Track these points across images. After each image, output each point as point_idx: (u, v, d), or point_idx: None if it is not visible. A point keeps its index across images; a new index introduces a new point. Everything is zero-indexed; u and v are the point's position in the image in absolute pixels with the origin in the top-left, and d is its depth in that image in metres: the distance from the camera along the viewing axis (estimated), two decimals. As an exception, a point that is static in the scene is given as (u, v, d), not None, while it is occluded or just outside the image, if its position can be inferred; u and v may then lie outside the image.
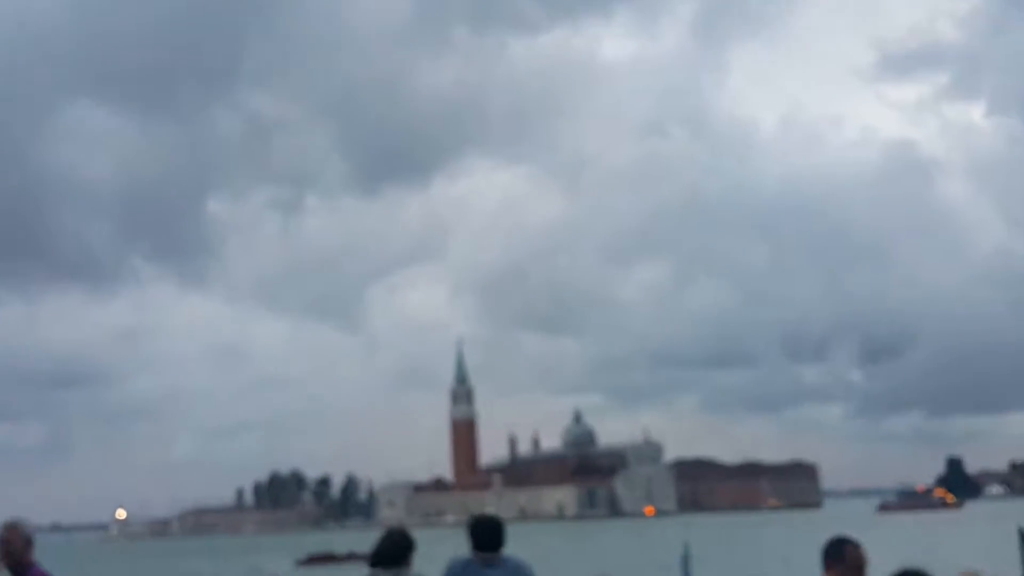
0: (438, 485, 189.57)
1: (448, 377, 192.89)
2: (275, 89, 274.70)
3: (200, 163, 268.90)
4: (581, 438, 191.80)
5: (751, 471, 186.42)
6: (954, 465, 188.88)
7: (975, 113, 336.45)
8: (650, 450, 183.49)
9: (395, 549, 4.10)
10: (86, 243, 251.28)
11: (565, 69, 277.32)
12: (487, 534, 4.15)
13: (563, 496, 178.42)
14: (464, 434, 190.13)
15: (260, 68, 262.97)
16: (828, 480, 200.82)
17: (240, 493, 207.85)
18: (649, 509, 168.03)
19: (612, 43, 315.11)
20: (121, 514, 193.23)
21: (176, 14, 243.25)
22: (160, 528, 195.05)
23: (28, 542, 3.95)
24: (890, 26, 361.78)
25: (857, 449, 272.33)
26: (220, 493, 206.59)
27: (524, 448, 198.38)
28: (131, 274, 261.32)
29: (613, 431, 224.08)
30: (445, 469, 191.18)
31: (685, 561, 22.52)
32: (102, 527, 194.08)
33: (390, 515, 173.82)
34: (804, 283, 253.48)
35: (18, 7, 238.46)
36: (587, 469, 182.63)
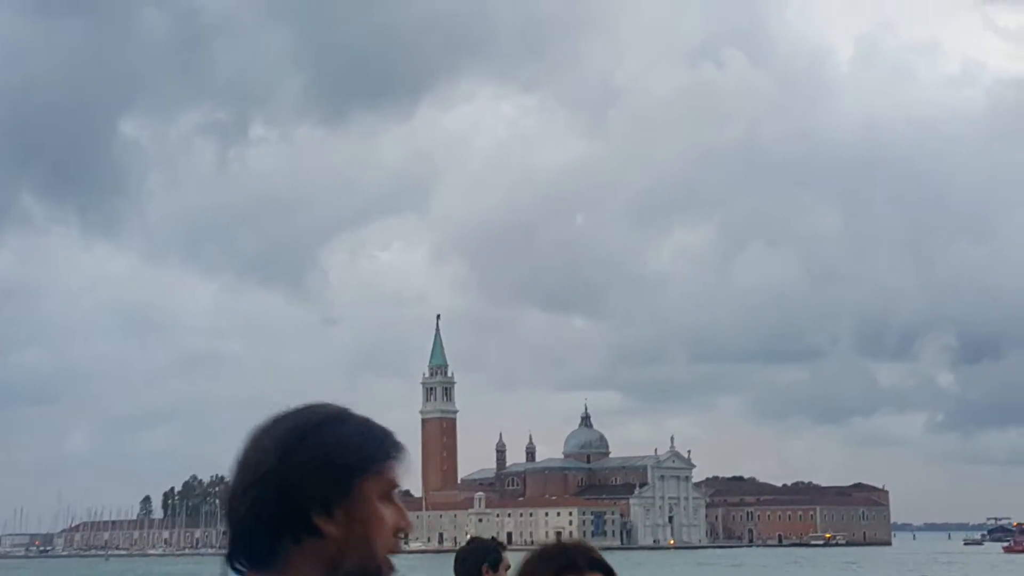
0: (408, 499, 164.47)
1: (422, 363, 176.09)
2: None
3: (114, 71, 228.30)
4: (590, 446, 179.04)
5: (803, 495, 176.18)
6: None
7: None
8: (677, 465, 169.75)
9: None
10: None
11: None
12: (470, 561, 4.17)
13: (563, 520, 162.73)
14: (439, 437, 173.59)
15: None
16: (899, 511, 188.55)
17: (147, 502, 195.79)
18: (672, 540, 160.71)
19: None
20: None
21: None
22: (41, 544, 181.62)
23: None
24: None
25: (941, 473, 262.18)
26: (122, 502, 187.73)
27: (515, 457, 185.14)
28: (19, 215, 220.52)
29: (631, 439, 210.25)
30: (414, 480, 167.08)
31: None
32: None
33: None
34: (886, 260, 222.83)
35: None
36: (595, 487, 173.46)
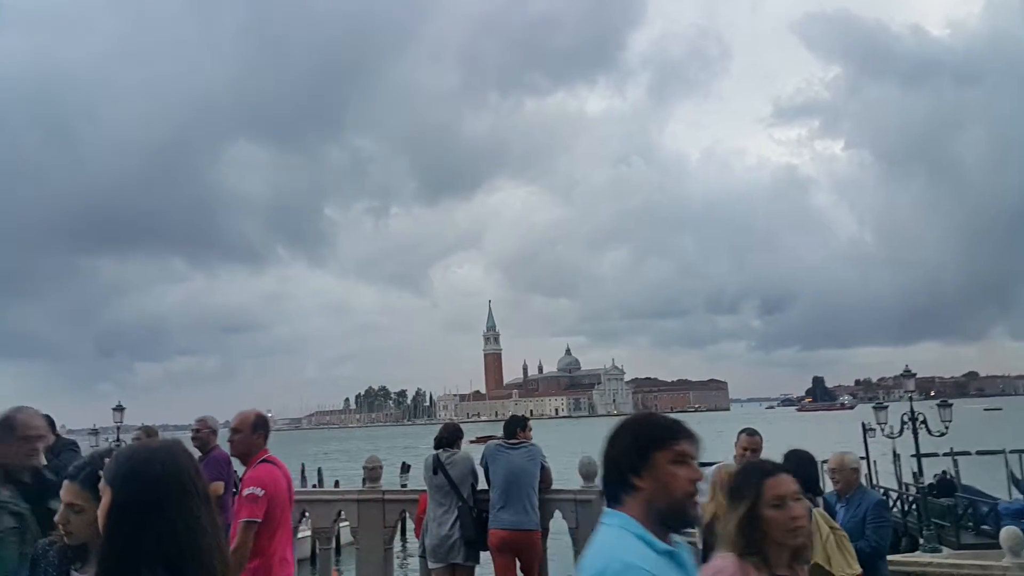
0: (476, 395, 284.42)
1: (482, 325, 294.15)
2: (368, 131, 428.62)
3: (319, 183, 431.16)
4: (570, 365, 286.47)
5: (684, 386, 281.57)
6: (818, 382, 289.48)
7: (836, 147, 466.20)
8: (616, 373, 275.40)
9: (450, 435, 6.39)
10: (245, 236, 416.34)
11: (562, 119, 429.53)
12: (510, 425, 6.41)
13: (558, 403, 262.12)
14: (493, 362, 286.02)
15: (358, 117, 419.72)
16: (734, 392, 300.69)
17: (347, 401, 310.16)
18: (615, 411, 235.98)
19: (594, 101, 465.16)
20: (269, 414, 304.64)
21: (303, 79, 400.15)
22: (294, 424, 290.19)
23: (214, 432, 5.98)
24: (782, 87, 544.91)
25: (754, 371, 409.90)
26: (333, 401, 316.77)
27: (532, 371, 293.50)
28: (275, 257, 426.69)
29: (592, 360, 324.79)
30: (481, 385, 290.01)
31: None
32: None
33: (444, 415, 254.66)
34: (719, 262, 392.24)
35: (195, 78, 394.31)
36: (575, 386, 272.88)
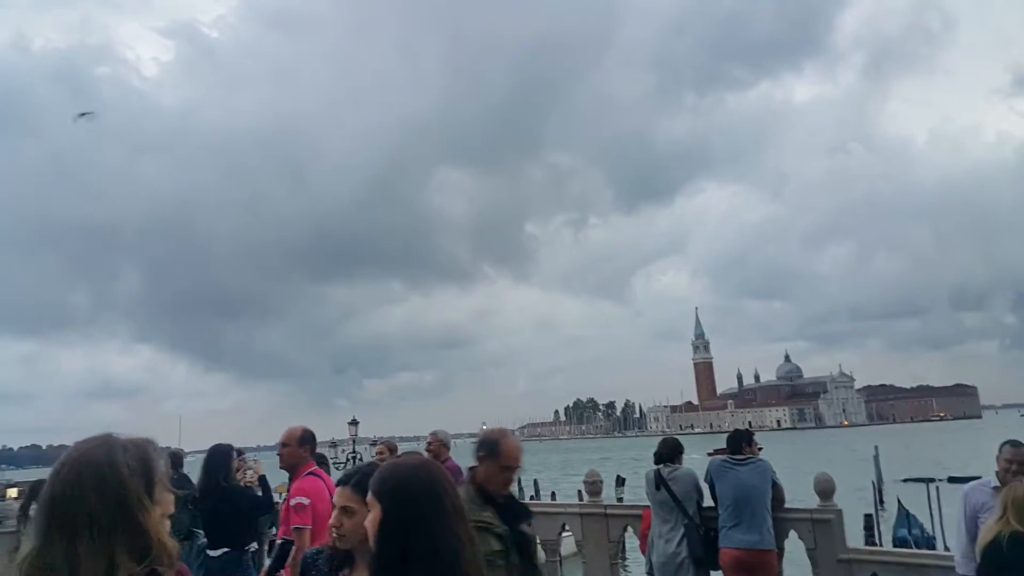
0: (688, 406, 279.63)
1: (690, 333, 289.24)
2: (564, 146, 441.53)
3: (519, 200, 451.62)
4: (791, 372, 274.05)
5: (923, 392, 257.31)
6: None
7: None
8: (844, 379, 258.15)
9: (671, 450, 6.39)
10: (454, 256, 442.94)
11: (767, 112, 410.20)
12: (735, 439, 6.20)
13: (779, 414, 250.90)
14: (704, 372, 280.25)
15: (554, 133, 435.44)
16: (986, 397, 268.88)
17: (556, 412, 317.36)
18: (846, 422, 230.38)
19: (801, 89, 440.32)
20: (484, 426, 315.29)
21: (499, 103, 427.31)
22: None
23: (445, 444, 6.63)
24: (1021, 51, 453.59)
25: (1011, 373, 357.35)
26: (543, 413, 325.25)
27: (748, 380, 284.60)
28: (482, 275, 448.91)
29: (815, 366, 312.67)
30: (692, 395, 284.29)
31: (876, 459, 26.61)
32: (472, 435, 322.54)
33: (656, 427, 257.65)
34: (960, 253, 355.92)
35: (402, 111, 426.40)
36: (797, 394, 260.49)
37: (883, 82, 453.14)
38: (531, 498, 31.30)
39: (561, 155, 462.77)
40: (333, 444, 33.05)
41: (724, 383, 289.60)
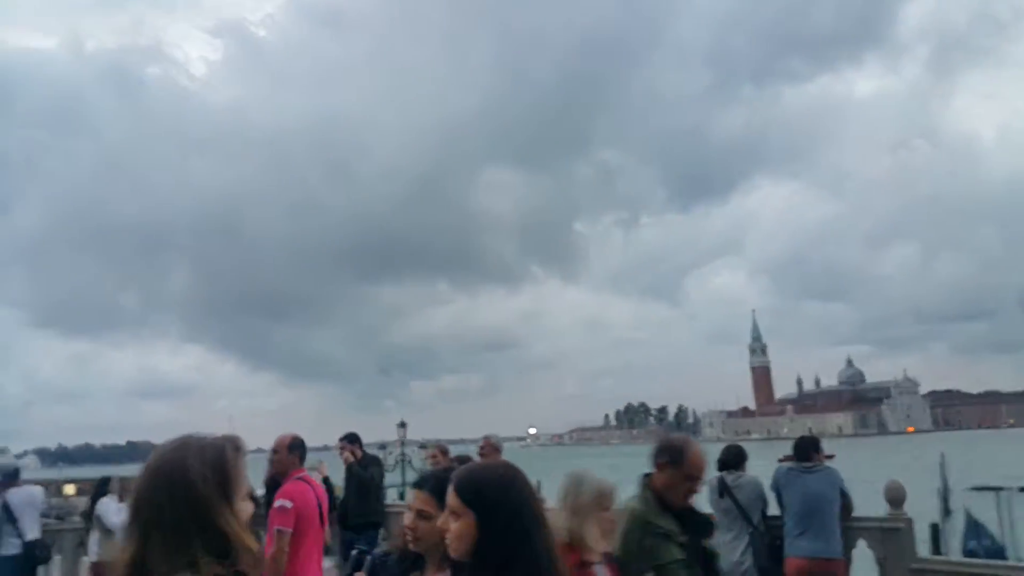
0: (745, 412, 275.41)
1: (746, 336, 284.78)
2: (614, 143, 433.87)
3: (567, 199, 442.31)
4: (853, 377, 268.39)
5: (991, 398, 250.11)
6: None
7: None
8: (908, 385, 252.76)
9: (734, 457, 6.35)
10: (501, 257, 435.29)
11: (826, 106, 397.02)
12: (802, 446, 6.08)
13: (841, 420, 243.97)
14: (762, 376, 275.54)
15: (604, 130, 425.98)
16: None
17: (607, 417, 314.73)
18: (911, 428, 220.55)
19: (862, 83, 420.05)
20: (532, 431, 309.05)
21: (547, 100, 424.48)
22: (557, 440, 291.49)
23: (496, 448, 7.14)
24: None
25: None
26: (593, 417, 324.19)
27: (808, 385, 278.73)
28: (530, 276, 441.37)
29: (878, 371, 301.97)
30: (748, 401, 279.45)
31: (942, 466, 26.22)
32: (520, 439, 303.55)
33: (710, 433, 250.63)
34: None
35: (447, 110, 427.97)
36: (859, 400, 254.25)
37: (949, 75, 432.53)
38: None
39: (611, 152, 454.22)
40: (382, 446, 33.38)
41: (783, 388, 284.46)
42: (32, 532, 8.46)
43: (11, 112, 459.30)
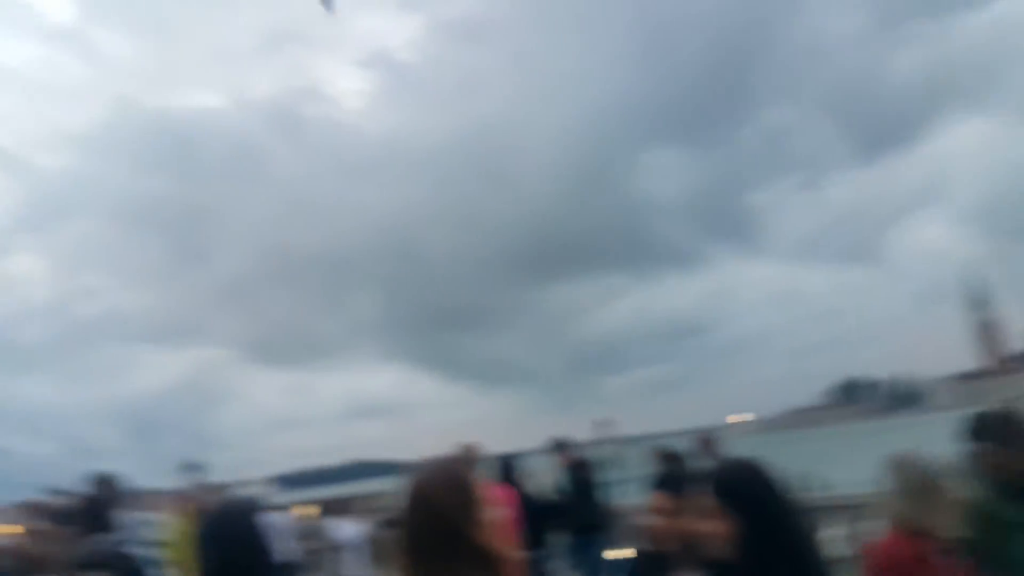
0: (977, 374, 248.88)
1: (963, 291, 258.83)
2: (779, 102, 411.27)
3: (737, 169, 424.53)
4: None
5: None
6: None
7: None
8: None
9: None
10: (673, 240, 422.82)
11: (1017, 24, 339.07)
12: None
13: None
14: (988, 333, 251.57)
15: (765, 90, 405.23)
16: None
17: (821, 395, 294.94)
18: None
19: None
20: (743, 416, 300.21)
21: (699, 71, 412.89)
22: (769, 425, 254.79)
23: (709, 441, 6.73)
24: None
25: None
26: (804, 397, 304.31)
27: None
28: (706, 255, 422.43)
29: None
30: (975, 362, 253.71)
31: None
32: (730, 427, 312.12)
33: (941, 401, 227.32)
34: None
35: (599, 97, 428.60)
36: None
37: None
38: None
39: (777, 112, 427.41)
40: (584, 446, 33.26)
41: (1014, 343, 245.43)
42: (291, 556, 9.16)
43: (197, 169, 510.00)
